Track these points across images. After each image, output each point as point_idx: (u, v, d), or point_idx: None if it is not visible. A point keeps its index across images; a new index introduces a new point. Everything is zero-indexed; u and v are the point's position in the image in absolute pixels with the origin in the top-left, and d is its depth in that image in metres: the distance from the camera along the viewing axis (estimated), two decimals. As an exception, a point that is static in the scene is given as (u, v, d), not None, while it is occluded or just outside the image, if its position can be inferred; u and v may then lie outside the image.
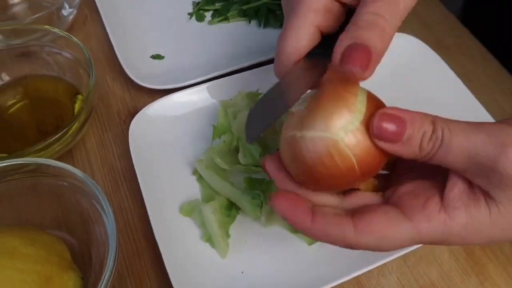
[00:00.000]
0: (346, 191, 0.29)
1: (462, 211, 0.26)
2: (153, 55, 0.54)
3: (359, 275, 0.38)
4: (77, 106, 0.48)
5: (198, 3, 0.60)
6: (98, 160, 0.47)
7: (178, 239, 0.40)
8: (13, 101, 0.49)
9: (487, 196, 0.25)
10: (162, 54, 0.55)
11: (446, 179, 0.26)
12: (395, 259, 0.38)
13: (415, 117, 0.25)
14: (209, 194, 0.42)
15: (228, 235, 0.40)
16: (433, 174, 0.28)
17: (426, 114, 0.26)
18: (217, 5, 0.59)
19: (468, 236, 0.26)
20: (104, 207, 0.34)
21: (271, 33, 0.57)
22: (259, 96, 0.44)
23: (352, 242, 0.26)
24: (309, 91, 0.29)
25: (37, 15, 0.51)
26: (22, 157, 0.38)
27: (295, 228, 0.28)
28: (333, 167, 0.25)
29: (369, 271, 0.38)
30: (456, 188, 0.26)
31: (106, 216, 0.34)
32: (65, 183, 0.37)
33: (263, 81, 0.45)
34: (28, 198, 0.39)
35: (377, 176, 0.30)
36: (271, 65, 0.36)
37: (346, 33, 0.27)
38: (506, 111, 0.51)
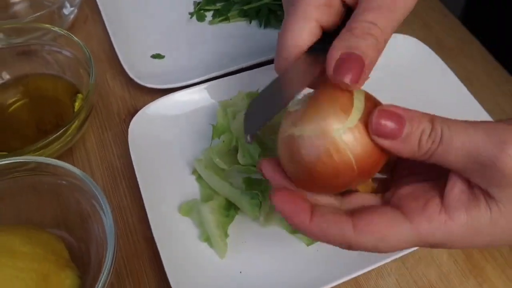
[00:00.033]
0: (344, 193, 0.29)
1: (462, 212, 0.25)
2: (153, 55, 0.55)
3: (358, 276, 0.38)
4: (77, 105, 0.48)
5: (199, 3, 0.60)
6: (98, 159, 0.47)
7: (177, 238, 0.40)
8: (13, 99, 0.49)
9: (487, 195, 0.25)
10: (162, 54, 0.55)
11: (446, 182, 0.26)
12: (394, 260, 0.38)
13: (413, 115, 0.25)
14: (208, 194, 0.42)
15: (226, 235, 0.40)
16: (433, 177, 0.28)
17: (424, 113, 0.26)
18: (218, 5, 0.59)
19: (469, 237, 0.26)
20: (103, 206, 0.34)
21: (271, 34, 0.57)
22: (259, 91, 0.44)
23: (351, 242, 0.26)
24: (307, 91, 0.29)
25: (38, 14, 0.51)
26: (22, 155, 0.38)
27: (294, 227, 0.27)
28: (331, 166, 0.25)
29: (367, 272, 0.38)
30: (456, 189, 0.26)
31: (105, 215, 0.34)
32: (64, 182, 0.37)
33: (263, 81, 0.44)
34: (28, 197, 0.39)
35: (376, 180, 0.30)
36: (271, 65, 0.36)
37: (341, 40, 0.27)
38: (506, 112, 0.50)
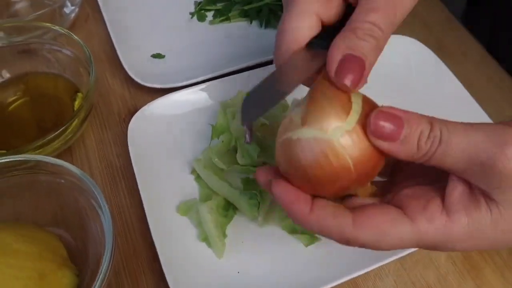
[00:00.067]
0: (344, 198, 0.29)
1: (463, 214, 0.25)
2: (153, 54, 0.55)
3: (356, 277, 0.38)
4: (77, 103, 0.48)
5: (199, 3, 0.60)
6: (97, 158, 0.47)
7: (175, 238, 0.40)
8: (14, 98, 0.49)
9: (487, 197, 0.25)
10: (163, 53, 0.55)
11: (446, 184, 0.26)
12: (392, 261, 0.38)
13: (412, 116, 0.25)
14: (207, 194, 0.42)
15: (225, 235, 0.40)
16: (433, 181, 0.28)
17: (423, 115, 0.26)
18: (219, 5, 0.59)
19: (469, 240, 0.26)
20: (101, 205, 0.34)
21: (272, 34, 0.57)
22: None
23: (350, 237, 0.26)
24: (306, 92, 0.29)
25: (39, 13, 0.51)
26: (21, 154, 0.38)
27: (292, 217, 0.27)
28: (329, 170, 0.25)
29: (366, 273, 0.38)
30: (456, 191, 0.26)
31: (103, 214, 0.34)
32: (63, 181, 0.37)
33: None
34: (27, 195, 0.39)
35: (375, 184, 0.30)
36: (272, 65, 0.36)
37: (342, 39, 0.27)
38: (506, 114, 0.50)
